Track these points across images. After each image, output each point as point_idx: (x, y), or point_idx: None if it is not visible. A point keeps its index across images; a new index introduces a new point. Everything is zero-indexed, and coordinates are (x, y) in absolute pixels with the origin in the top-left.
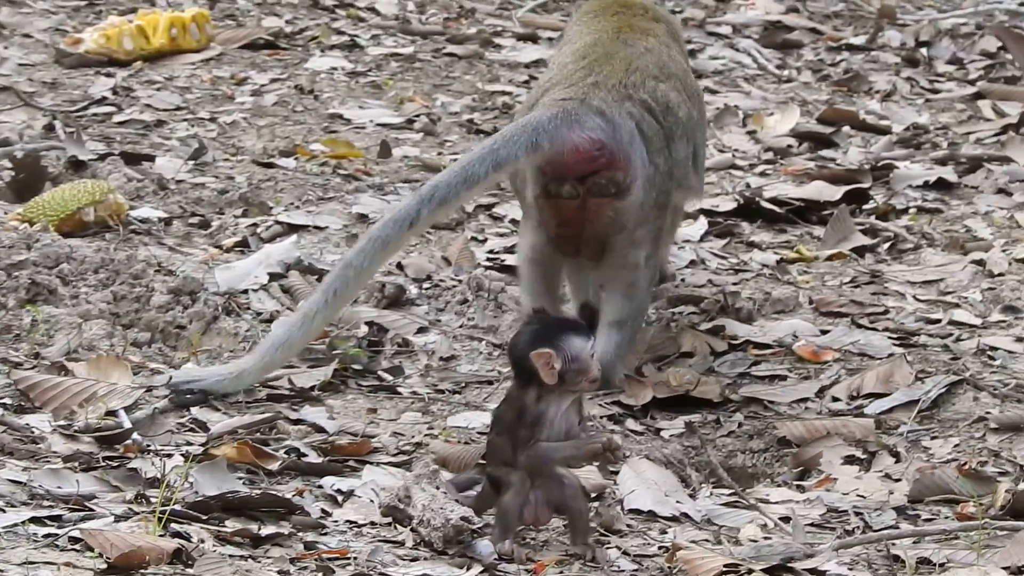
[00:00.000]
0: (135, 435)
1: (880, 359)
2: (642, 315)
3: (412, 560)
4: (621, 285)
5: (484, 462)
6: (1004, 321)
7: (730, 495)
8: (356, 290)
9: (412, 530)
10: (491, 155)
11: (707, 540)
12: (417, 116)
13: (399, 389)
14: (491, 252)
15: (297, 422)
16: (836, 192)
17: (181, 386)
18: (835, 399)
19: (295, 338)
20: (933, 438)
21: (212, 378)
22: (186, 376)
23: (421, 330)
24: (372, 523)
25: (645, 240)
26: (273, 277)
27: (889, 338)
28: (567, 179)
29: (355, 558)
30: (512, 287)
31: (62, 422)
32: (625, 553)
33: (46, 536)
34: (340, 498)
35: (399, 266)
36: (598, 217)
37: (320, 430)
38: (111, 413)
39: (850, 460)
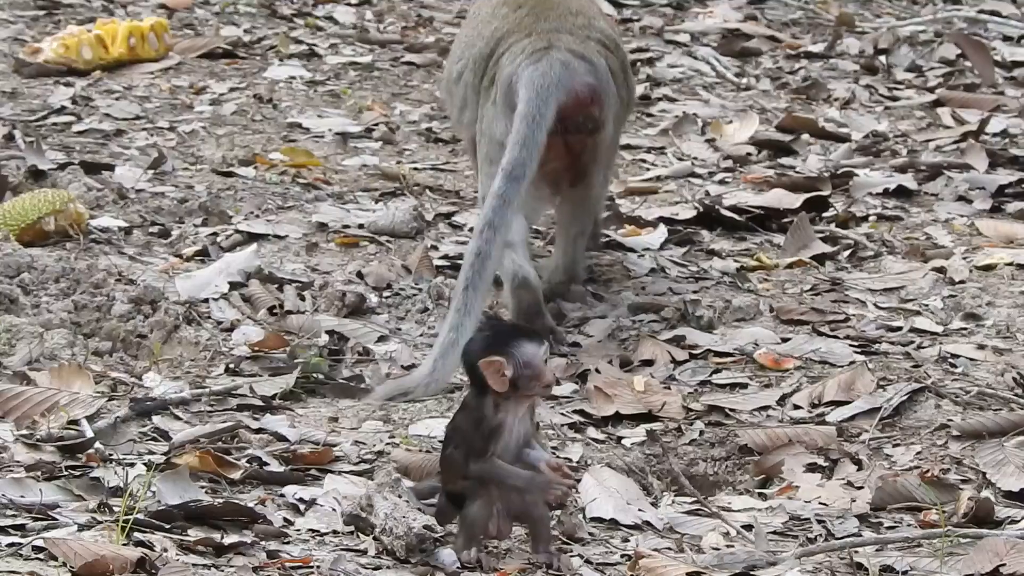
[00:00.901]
0: (97, 444)
1: (841, 367)
2: (595, 225)
3: (375, 569)
4: (582, 202)
5: (440, 478)
6: (965, 328)
7: (692, 503)
8: (490, 278)
9: (375, 539)
10: (540, 120)
11: (669, 548)
12: (376, 125)
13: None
14: (448, 258)
15: (259, 431)
16: (796, 200)
17: (392, 396)
18: (797, 407)
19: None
20: (895, 446)
21: (416, 384)
22: (395, 388)
23: (382, 339)
24: (334, 532)
25: (607, 164)
26: (233, 286)
27: (850, 346)
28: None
29: (318, 567)
30: None
31: (24, 431)
32: (588, 562)
33: (9, 545)
34: (302, 507)
35: (359, 275)
36: (579, 151)
37: (282, 439)
38: (73, 422)
39: (812, 468)
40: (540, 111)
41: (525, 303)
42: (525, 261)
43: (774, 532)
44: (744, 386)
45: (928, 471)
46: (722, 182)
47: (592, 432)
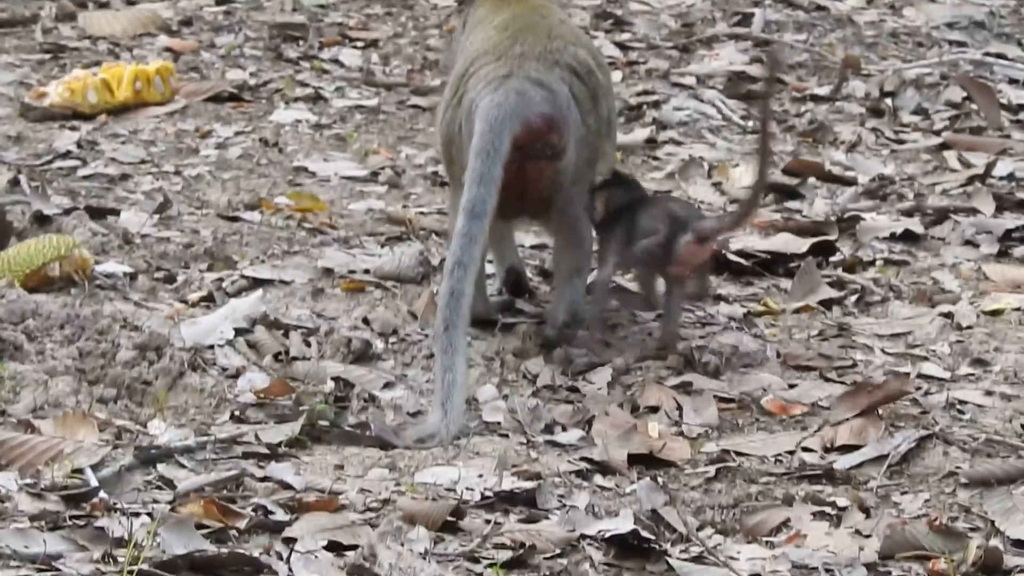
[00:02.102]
0: (102, 493)
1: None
2: (589, 259)
3: None
4: (568, 238)
5: None
6: (973, 374)
7: (699, 552)
8: (467, 315)
9: None
10: (495, 155)
11: None
12: (382, 168)
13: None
14: None
15: (264, 479)
16: (802, 244)
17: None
18: (806, 449)
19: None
20: (903, 493)
21: (436, 430)
22: (417, 435)
23: (388, 385)
24: None
25: (581, 194)
26: (239, 332)
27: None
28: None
29: None
30: (479, 341)
31: (28, 480)
32: None
33: None
34: (307, 556)
35: (365, 320)
36: (537, 178)
37: (287, 487)
38: (78, 471)
39: (820, 516)
40: (494, 145)
41: None
42: (479, 294)
43: None
44: (751, 433)
45: (936, 519)
46: None
47: (599, 479)
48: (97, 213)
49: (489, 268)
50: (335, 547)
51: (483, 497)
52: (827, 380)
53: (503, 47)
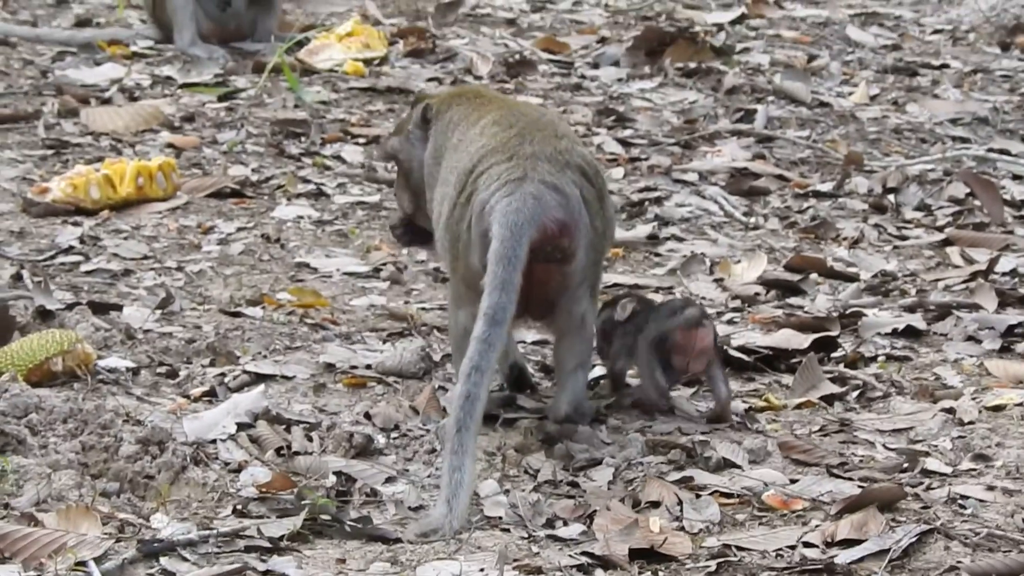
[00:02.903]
0: None
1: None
2: (592, 352)
3: None
4: (572, 334)
5: None
6: (975, 469)
7: None
8: (480, 418)
9: None
10: (515, 261)
11: None
12: (383, 264)
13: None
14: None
15: (266, 573)
16: (804, 340)
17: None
18: (807, 544)
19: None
20: None
21: (440, 524)
22: (424, 527)
23: (389, 480)
24: None
25: (586, 294)
26: (241, 427)
27: (860, 486)
28: None
29: None
30: (481, 436)
31: (32, 573)
32: None
33: None
34: None
35: (367, 415)
36: (546, 281)
37: None
38: (81, 564)
39: None
40: (515, 251)
41: None
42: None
43: None
44: (753, 528)
45: None
46: (730, 322)
47: (600, 574)
48: (100, 308)
49: None
50: None
51: None
52: (829, 475)
53: (512, 146)
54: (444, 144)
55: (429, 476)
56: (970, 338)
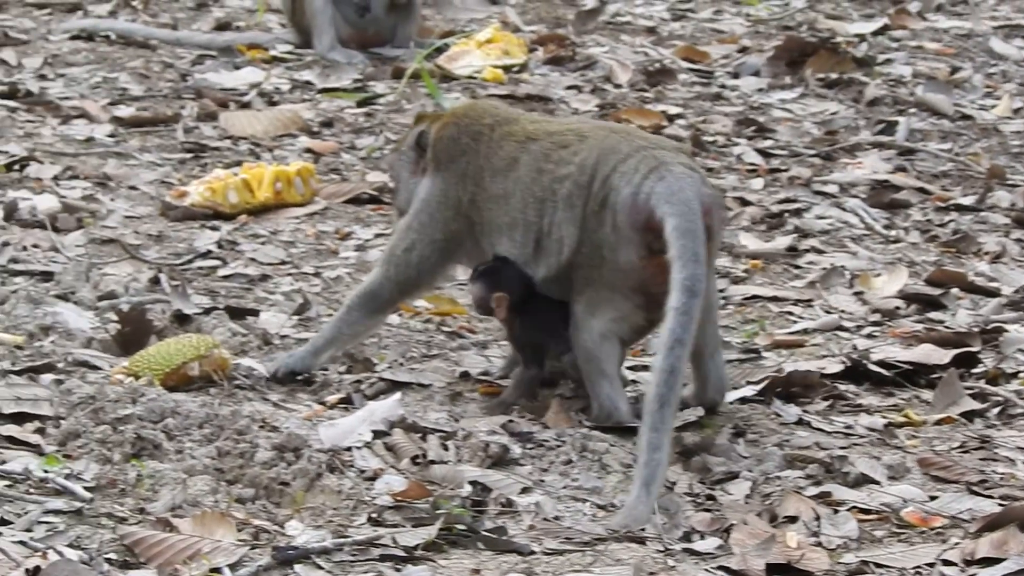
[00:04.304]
0: None
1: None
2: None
3: None
4: (708, 314)
5: None
6: None
7: None
8: (679, 393)
9: None
10: (700, 234)
11: None
12: None
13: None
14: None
15: None
16: (945, 355)
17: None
18: (947, 563)
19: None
20: None
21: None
22: (623, 521)
23: (525, 490)
24: None
25: (712, 272)
26: (377, 435)
27: (1000, 504)
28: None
29: None
30: (616, 447)
31: None
32: None
33: None
34: None
35: (503, 425)
36: None
37: None
38: (215, 570)
39: None
40: (696, 224)
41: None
42: (621, 398)
43: None
44: (892, 545)
45: None
46: (870, 336)
47: None
48: (237, 313)
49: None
50: None
51: None
52: (969, 492)
53: (621, 146)
54: (487, 165)
55: (565, 487)
56: None
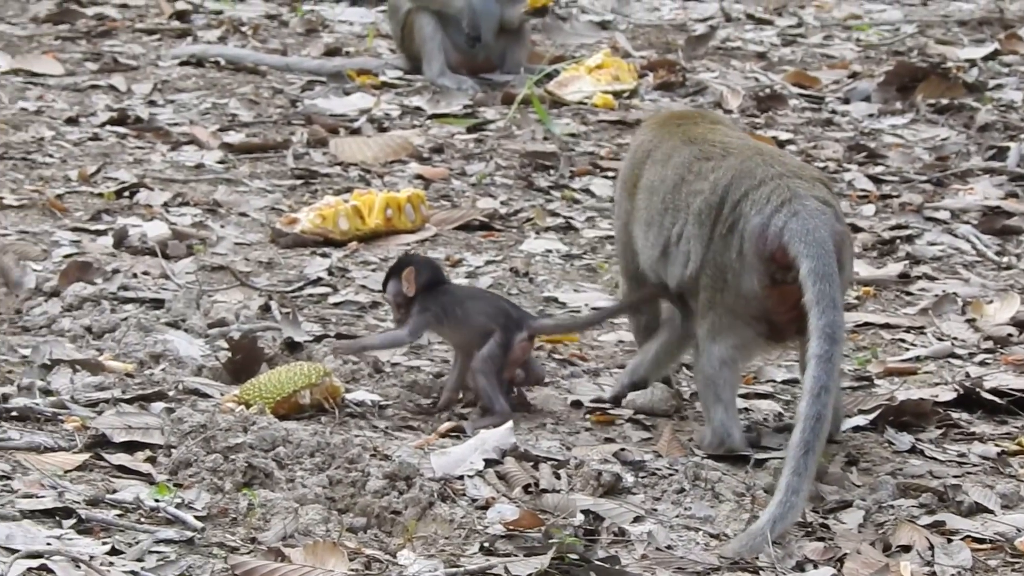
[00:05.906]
0: None
1: None
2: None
3: None
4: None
5: None
6: None
7: None
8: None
9: None
10: (836, 278)
11: None
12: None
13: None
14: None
15: None
16: None
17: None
18: None
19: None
20: None
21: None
22: (745, 546)
23: (638, 519)
24: None
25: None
26: (489, 463)
27: None
28: (791, 267)
29: None
30: (729, 476)
31: None
32: None
33: None
34: None
35: (615, 454)
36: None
37: None
38: None
39: None
40: (831, 267)
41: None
42: (735, 425)
43: None
44: (1006, 574)
45: None
46: (983, 364)
47: None
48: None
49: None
50: None
51: None
52: None
53: (757, 170)
54: (652, 151)
55: (678, 516)
56: None
